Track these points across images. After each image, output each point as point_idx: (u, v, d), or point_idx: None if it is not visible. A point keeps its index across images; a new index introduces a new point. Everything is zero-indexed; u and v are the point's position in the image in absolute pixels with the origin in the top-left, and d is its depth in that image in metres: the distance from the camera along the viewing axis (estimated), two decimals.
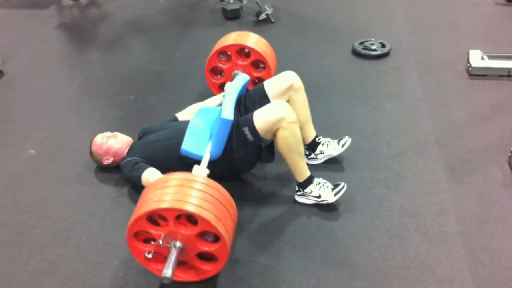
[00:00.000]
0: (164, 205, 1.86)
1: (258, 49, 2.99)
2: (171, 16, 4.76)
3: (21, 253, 2.30)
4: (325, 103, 3.32)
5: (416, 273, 2.13)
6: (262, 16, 4.44)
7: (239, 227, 2.37)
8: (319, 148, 2.73)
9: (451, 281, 2.09)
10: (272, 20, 4.47)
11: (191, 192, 1.91)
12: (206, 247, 1.97)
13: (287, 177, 2.54)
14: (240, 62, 3.07)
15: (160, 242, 1.93)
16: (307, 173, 2.45)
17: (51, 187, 2.69)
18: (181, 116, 2.83)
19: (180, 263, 2.06)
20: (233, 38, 3.07)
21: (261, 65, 3.11)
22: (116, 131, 2.76)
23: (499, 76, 3.51)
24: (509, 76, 3.50)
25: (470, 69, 3.55)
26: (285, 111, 2.29)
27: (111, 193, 2.63)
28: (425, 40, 4.10)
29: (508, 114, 3.14)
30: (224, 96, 2.58)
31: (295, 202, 2.52)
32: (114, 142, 2.67)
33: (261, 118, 2.31)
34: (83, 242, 2.35)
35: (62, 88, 3.67)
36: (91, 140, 2.70)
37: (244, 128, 2.33)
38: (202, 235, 2.01)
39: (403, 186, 2.60)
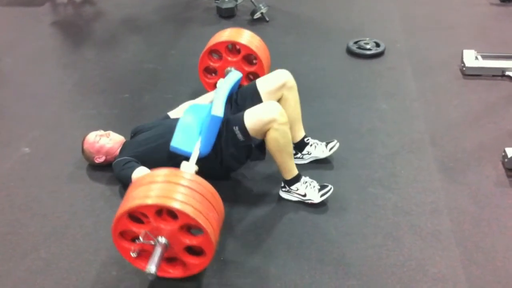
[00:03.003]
0: (143, 202, 1.85)
1: (248, 43, 2.98)
2: (166, 15, 4.75)
3: (15, 252, 2.29)
4: (319, 103, 3.33)
5: (410, 272, 2.14)
6: (257, 15, 4.44)
7: (232, 227, 2.37)
8: (307, 148, 2.73)
9: (445, 279, 2.10)
10: (267, 19, 4.47)
11: (171, 187, 1.90)
12: (189, 240, 1.96)
13: (278, 177, 2.53)
14: (230, 59, 3.06)
15: (141, 239, 1.92)
16: (295, 172, 2.46)
17: (46, 185, 2.68)
18: (173, 114, 2.82)
19: (170, 260, 2.07)
20: (222, 35, 3.06)
21: (254, 60, 3.10)
22: (111, 129, 2.75)
23: (493, 76, 3.52)
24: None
25: (464, 69, 3.56)
26: (276, 112, 2.28)
27: (105, 191, 2.62)
28: (419, 39, 4.11)
29: (502, 113, 3.16)
30: (215, 92, 2.57)
31: (281, 198, 2.53)
32: (107, 141, 2.66)
33: (252, 118, 2.29)
34: (77, 240, 2.34)
35: (57, 86, 3.66)
36: (84, 138, 2.70)
37: (234, 127, 2.32)
38: (188, 229, 2.00)
39: (398, 185, 2.61)
